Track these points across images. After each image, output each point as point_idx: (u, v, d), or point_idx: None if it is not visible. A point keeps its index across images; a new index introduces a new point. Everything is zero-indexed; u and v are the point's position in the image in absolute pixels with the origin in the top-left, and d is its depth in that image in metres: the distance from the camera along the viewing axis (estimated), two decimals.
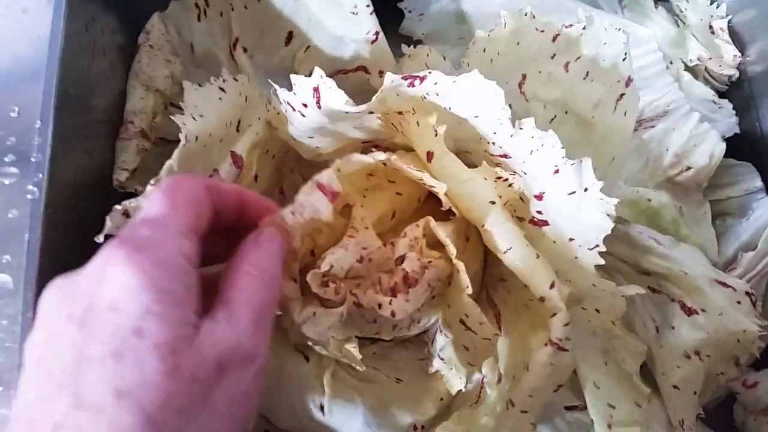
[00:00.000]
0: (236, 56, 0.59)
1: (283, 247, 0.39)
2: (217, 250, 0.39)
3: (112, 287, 0.30)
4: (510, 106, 0.44)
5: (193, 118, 0.49)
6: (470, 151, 0.51)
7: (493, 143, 0.46)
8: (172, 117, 0.49)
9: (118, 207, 0.45)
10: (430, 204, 0.51)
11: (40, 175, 0.45)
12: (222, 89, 0.51)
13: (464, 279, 0.46)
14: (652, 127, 0.65)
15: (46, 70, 0.46)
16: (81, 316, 0.30)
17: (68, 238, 0.48)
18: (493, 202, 0.47)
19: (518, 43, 0.55)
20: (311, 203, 0.42)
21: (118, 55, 0.57)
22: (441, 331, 0.53)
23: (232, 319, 0.33)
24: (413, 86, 0.44)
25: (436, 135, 0.45)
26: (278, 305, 0.42)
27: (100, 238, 0.44)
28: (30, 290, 0.44)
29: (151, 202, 0.35)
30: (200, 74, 0.58)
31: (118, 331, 0.29)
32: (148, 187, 0.46)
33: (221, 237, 0.39)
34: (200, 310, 0.33)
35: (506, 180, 0.47)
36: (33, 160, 0.45)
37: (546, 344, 0.46)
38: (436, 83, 0.43)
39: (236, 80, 0.52)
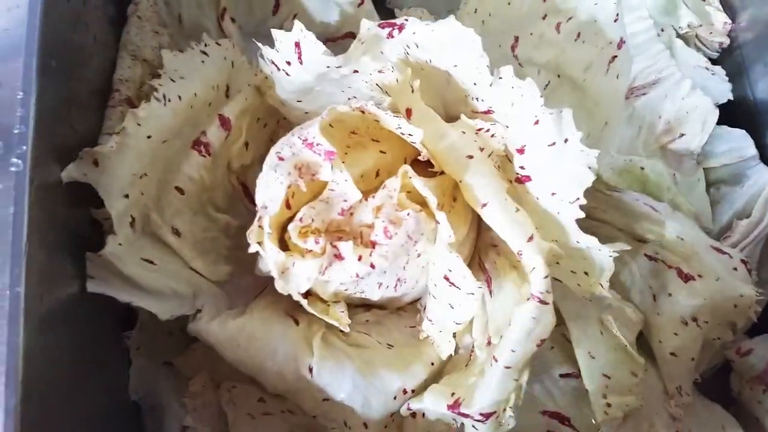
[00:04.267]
0: (224, 26, 0.59)
1: None
2: None
3: None
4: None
5: (172, 80, 0.50)
6: (459, 114, 0.51)
7: (476, 98, 0.46)
8: (149, 82, 0.49)
9: (86, 149, 0.46)
10: (419, 165, 0.51)
11: (24, 148, 0.44)
12: (204, 53, 0.52)
13: (445, 229, 0.46)
14: (644, 94, 0.65)
15: (26, 42, 0.45)
16: None
17: (54, 210, 0.47)
18: (471, 157, 0.47)
19: (509, 4, 0.55)
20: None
21: (105, 29, 0.57)
22: (429, 293, 0.53)
23: None
24: (392, 37, 0.44)
25: (412, 91, 0.45)
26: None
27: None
28: (17, 265, 0.42)
29: None
30: (188, 45, 0.58)
31: None
32: (113, 137, 0.47)
33: None
34: None
35: (488, 131, 0.47)
36: (16, 132, 0.44)
37: (528, 299, 0.45)
38: (414, 32, 0.43)
39: (219, 44, 0.53)
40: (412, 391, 0.53)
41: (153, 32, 0.58)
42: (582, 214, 0.46)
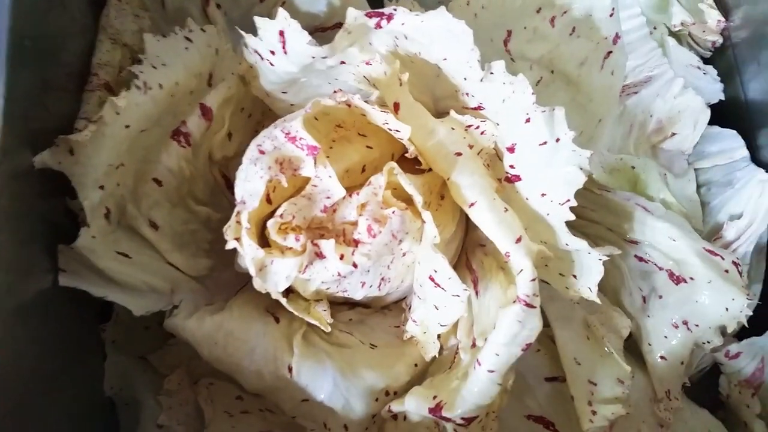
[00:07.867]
0: (209, 12, 0.58)
1: None
2: None
3: None
4: None
5: (153, 67, 0.48)
6: (449, 109, 0.50)
7: (467, 93, 0.45)
8: (130, 68, 0.47)
9: (62, 137, 0.44)
10: (407, 162, 0.49)
11: None
12: (188, 39, 0.50)
13: (431, 229, 0.45)
14: (636, 93, 0.64)
15: None
16: None
17: (27, 199, 0.46)
18: (459, 154, 0.45)
19: None
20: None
21: (84, 10, 0.55)
22: (415, 293, 0.52)
23: None
24: (380, 27, 0.42)
25: (401, 84, 0.44)
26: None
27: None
28: None
29: None
30: (171, 30, 0.56)
31: None
32: (90, 125, 0.45)
33: None
34: None
35: (478, 127, 0.46)
36: None
37: (514, 302, 0.44)
38: (403, 23, 0.42)
39: (204, 31, 0.51)
40: (395, 392, 0.52)
41: (133, 16, 0.56)
42: (572, 217, 0.45)
